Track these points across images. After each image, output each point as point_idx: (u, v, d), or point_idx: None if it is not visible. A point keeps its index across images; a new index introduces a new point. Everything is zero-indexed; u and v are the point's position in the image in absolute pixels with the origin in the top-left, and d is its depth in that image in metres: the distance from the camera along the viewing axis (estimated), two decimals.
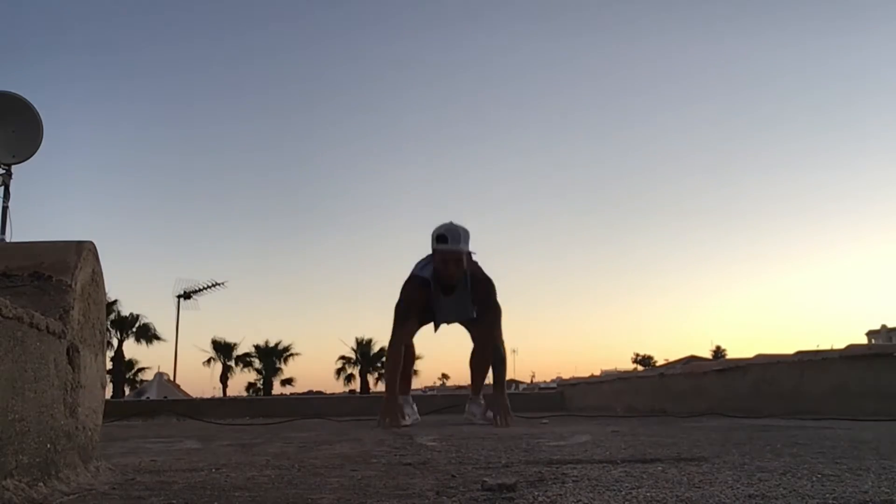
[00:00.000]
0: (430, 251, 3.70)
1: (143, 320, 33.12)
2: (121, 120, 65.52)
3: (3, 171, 4.83)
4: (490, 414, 3.69)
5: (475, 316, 3.82)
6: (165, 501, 1.15)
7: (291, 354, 38.84)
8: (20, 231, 4.78)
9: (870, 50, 70.20)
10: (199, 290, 32.80)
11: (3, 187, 4.80)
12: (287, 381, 38.86)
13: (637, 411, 5.68)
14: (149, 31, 66.62)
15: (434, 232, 3.64)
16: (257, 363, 38.55)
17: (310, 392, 28.64)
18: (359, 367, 39.32)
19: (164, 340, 33.71)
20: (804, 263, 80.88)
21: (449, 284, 3.69)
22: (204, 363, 37.43)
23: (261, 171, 73.33)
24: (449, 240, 3.61)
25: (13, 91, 5.02)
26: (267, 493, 1.24)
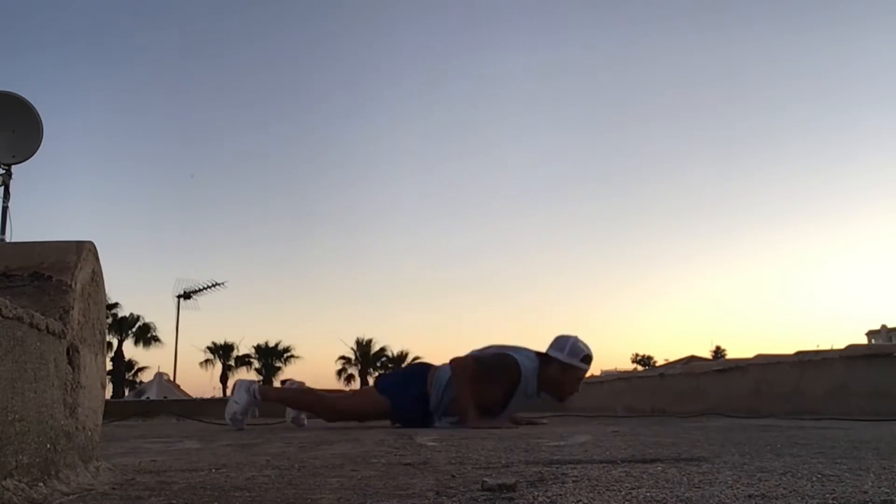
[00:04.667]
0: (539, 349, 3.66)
1: (143, 321, 33.18)
2: (121, 120, 65.52)
3: (3, 171, 4.84)
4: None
5: None
6: (165, 501, 1.15)
7: (292, 356, 38.87)
8: (20, 231, 4.79)
9: (872, 46, 70.23)
10: (199, 290, 32.82)
11: (3, 187, 4.81)
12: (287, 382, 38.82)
13: (637, 411, 5.69)
14: (150, 30, 66.64)
15: (583, 349, 3.61)
16: (257, 364, 38.57)
17: None
18: (359, 368, 39.30)
19: (163, 343, 33.77)
20: (804, 263, 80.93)
21: (561, 399, 3.68)
22: (201, 364, 37.46)
23: (261, 170, 73.34)
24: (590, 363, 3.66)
25: (13, 91, 5.02)
26: (267, 493, 1.24)
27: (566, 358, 3.55)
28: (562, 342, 3.61)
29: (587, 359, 3.60)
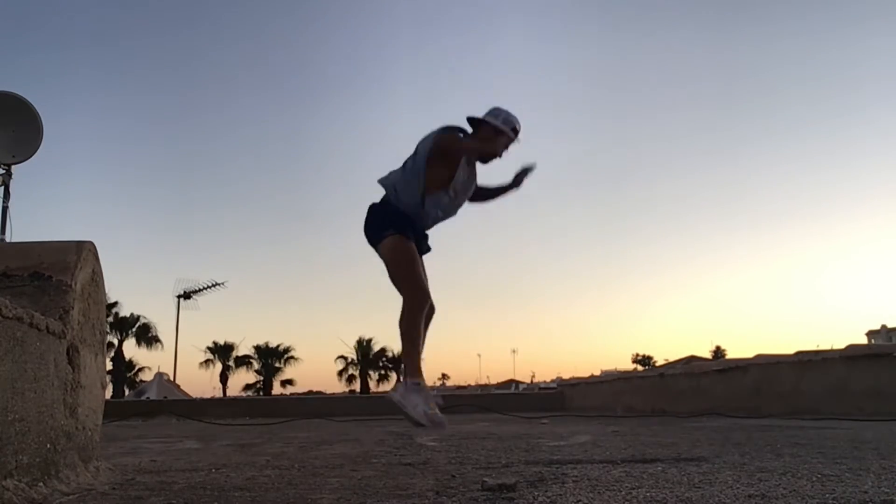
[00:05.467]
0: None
1: (143, 321, 33.18)
2: (121, 120, 65.56)
3: (3, 171, 4.83)
4: (437, 404, 3.25)
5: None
6: (165, 501, 1.15)
7: (292, 357, 38.84)
8: (20, 231, 4.78)
9: (873, 47, 70.24)
10: (199, 290, 32.74)
11: (3, 187, 4.80)
12: (287, 382, 38.84)
13: (637, 411, 5.68)
14: (149, 31, 66.67)
15: (515, 121, 3.73)
16: (256, 364, 38.55)
17: (310, 392, 28.67)
18: (359, 368, 39.26)
19: (162, 346, 33.77)
20: (804, 263, 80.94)
21: (485, 159, 3.78)
22: (201, 364, 37.46)
23: (261, 171, 73.41)
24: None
25: (13, 91, 5.02)
26: (267, 493, 1.24)
27: (500, 124, 3.71)
28: (498, 111, 3.76)
29: (516, 131, 3.74)
